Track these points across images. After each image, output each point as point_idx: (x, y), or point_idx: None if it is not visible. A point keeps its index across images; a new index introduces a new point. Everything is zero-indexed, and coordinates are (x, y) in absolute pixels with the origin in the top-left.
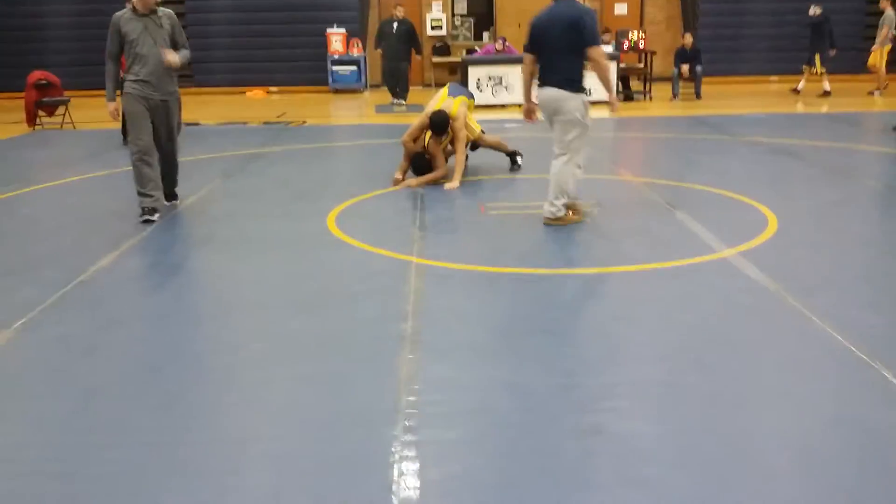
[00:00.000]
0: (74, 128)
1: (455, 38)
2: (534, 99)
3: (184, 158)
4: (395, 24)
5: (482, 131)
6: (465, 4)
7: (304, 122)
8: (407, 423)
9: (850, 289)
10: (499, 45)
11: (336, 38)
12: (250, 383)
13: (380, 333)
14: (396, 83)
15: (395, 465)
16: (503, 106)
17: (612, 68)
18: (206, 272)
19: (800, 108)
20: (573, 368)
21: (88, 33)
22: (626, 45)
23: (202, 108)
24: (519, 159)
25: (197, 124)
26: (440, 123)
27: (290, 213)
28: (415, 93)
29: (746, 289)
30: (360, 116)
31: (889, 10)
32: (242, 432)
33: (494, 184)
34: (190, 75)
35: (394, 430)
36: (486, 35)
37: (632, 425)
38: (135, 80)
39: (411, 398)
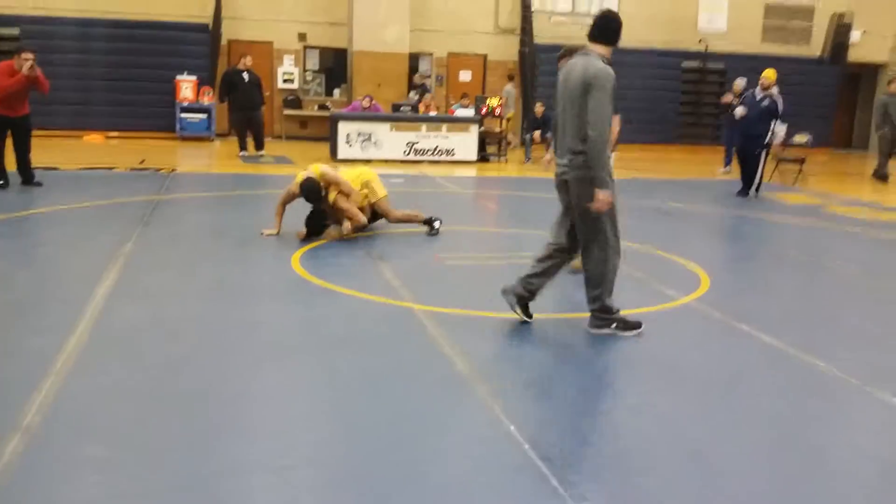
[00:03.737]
0: None
1: (306, 92)
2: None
3: (80, 205)
4: (246, 75)
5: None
6: (316, 60)
7: (173, 169)
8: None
9: (804, 327)
10: (365, 103)
11: (186, 85)
12: (349, 431)
13: (442, 374)
14: (250, 133)
15: None
16: (368, 161)
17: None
18: (213, 320)
19: (643, 174)
20: (645, 400)
21: None
22: (484, 111)
23: (48, 152)
24: (437, 224)
25: (56, 169)
26: (311, 192)
27: (252, 260)
28: (266, 145)
29: (724, 330)
30: (225, 166)
31: (509, 86)
32: (381, 491)
33: (423, 237)
34: None
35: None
36: (337, 91)
37: (705, 447)
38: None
39: (527, 435)
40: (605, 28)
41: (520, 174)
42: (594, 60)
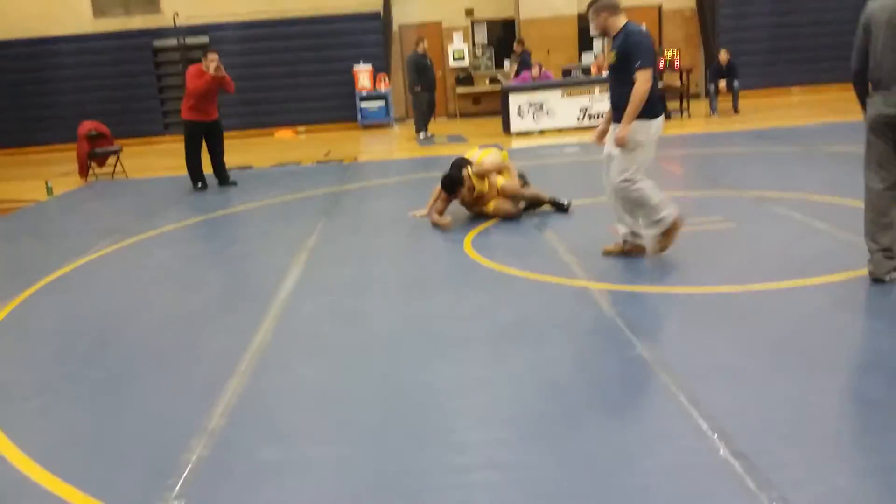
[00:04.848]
0: (127, 177)
1: (477, 68)
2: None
3: (270, 201)
4: (428, 59)
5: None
6: (485, 34)
7: (355, 158)
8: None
9: None
10: (535, 72)
11: (363, 74)
12: (525, 429)
13: (622, 360)
14: (431, 115)
15: None
16: (541, 132)
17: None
18: (391, 312)
19: (845, 116)
20: (857, 385)
21: (133, 81)
22: (661, 64)
23: (243, 152)
24: (565, 201)
25: (250, 167)
26: (451, 184)
27: (426, 246)
28: (440, 124)
29: None
30: (404, 150)
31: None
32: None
33: (593, 209)
34: None
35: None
36: (506, 63)
37: None
38: None
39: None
40: None
41: (705, 129)
42: None
